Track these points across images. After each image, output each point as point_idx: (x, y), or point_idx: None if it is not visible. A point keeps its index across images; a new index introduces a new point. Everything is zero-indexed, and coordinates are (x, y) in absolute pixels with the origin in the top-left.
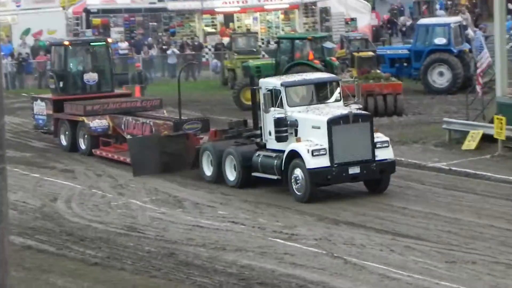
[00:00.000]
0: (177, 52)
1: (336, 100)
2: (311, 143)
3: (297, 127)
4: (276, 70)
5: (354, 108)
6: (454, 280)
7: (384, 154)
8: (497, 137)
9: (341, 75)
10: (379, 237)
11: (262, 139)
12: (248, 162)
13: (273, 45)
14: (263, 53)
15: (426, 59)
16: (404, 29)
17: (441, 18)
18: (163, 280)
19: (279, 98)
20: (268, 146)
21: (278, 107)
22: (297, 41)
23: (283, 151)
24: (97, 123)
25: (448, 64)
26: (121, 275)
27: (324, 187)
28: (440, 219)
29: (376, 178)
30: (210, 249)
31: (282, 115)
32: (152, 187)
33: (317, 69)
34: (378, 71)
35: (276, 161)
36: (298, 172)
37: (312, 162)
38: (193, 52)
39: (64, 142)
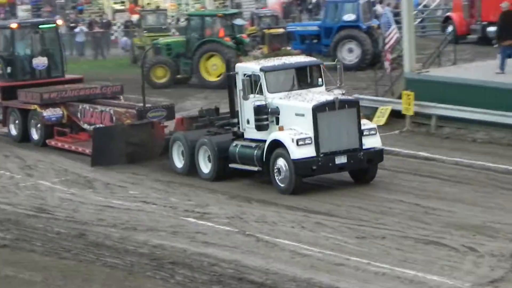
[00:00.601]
0: (85, 30)
1: (319, 85)
2: (295, 131)
3: (278, 114)
4: (186, 48)
5: (338, 93)
6: (365, 255)
7: (371, 142)
8: (405, 113)
9: (252, 52)
10: (291, 214)
11: (239, 128)
12: (224, 153)
13: (183, 23)
14: (173, 30)
15: (335, 35)
16: (310, 6)
17: None
18: (73, 262)
19: (259, 84)
20: (246, 136)
21: (257, 93)
22: (207, 18)
23: (263, 141)
24: (51, 111)
25: (357, 41)
26: (31, 257)
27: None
28: (350, 195)
29: (364, 167)
30: (121, 230)
31: (262, 102)
32: (61, 167)
33: (227, 47)
34: (289, 48)
35: (256, 151)
36: (281, 162)
37: (297, 152)
38: (102, 30)
39: (14, 132)
